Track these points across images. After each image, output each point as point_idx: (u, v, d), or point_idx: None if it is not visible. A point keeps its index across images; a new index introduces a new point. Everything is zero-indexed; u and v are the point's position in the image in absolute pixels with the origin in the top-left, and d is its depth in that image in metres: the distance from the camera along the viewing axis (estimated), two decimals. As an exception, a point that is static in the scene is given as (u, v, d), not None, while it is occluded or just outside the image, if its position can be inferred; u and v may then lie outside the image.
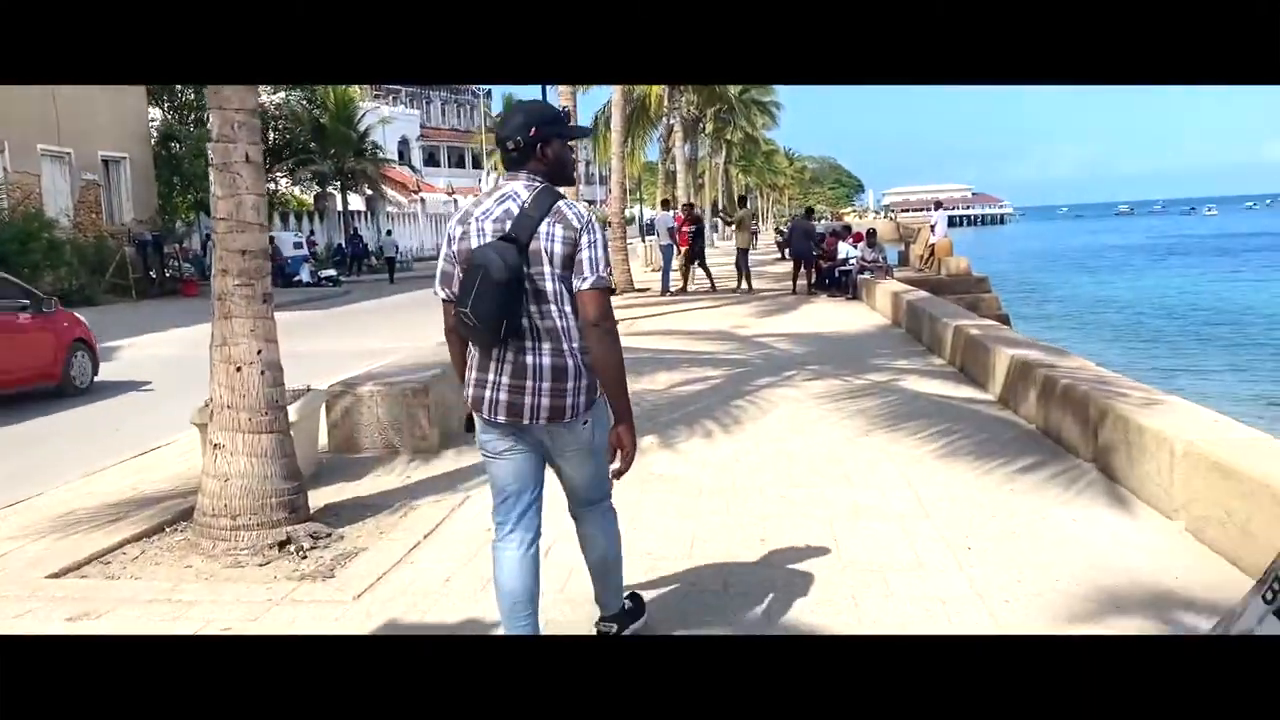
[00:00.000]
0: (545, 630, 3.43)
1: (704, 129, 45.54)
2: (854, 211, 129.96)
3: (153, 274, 28.10)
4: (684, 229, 20.16)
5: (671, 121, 35.99)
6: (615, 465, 3.06)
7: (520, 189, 3.00)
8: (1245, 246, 66.99)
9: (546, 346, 2.96)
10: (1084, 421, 5.86)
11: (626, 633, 3.52)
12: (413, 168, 53.88)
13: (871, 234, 19.54)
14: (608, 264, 3.02)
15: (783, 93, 49.95)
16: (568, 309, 2.96)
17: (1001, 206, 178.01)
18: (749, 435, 6.91)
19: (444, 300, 3.07)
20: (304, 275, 29.79)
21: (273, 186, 42.89)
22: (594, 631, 3.55)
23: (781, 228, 42.14)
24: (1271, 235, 79.95)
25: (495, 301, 2.86)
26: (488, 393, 3.01)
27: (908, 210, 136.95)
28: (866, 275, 18.06)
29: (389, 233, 42.70)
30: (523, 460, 3.13)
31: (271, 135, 39.09)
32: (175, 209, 31.86)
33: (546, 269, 2.93)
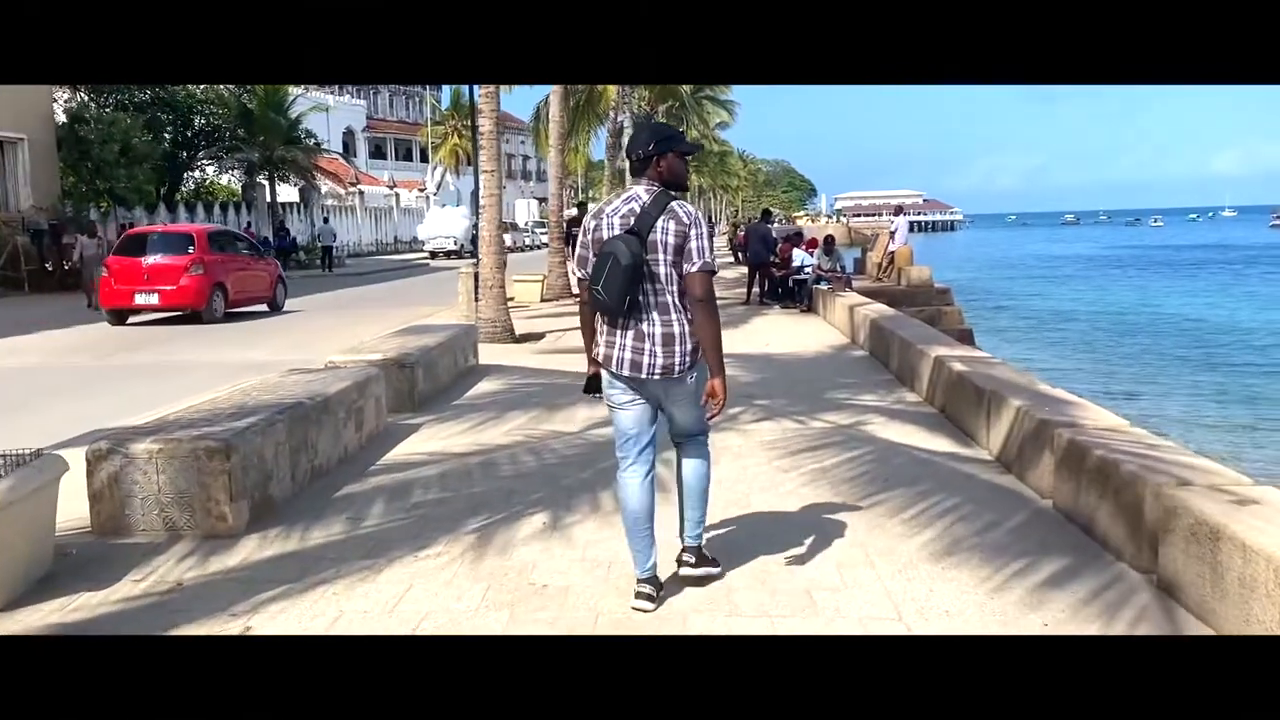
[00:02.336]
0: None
1: (656, 127, 43.79)
2: (807, 215, 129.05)
3: (49, 266, 25.73)
4: None
5: (621, 118, 34.18)
6: (710, 412, 3.75)
7: (642, 192, 3.73)
8: (1197, 260, 66.86)
9: (659, 318, 3.68)
10: (1133, 513, 4.22)
11: (697, 573, 4.05)
12: (346, 158, 51.41)
13: (829, 241, 17.94)
14: (712, 252, 3.71)
15: (737, 93, 48.47)
16: (674, 288, 3.68)
17: (952, 213, 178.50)
18: (676, 512, 5.16)
19: (580, 278, 3.82)
20: (219, 271, 27.49)
21: (198, 174, 40.54)
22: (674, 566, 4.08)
23: (739, 226, 40.52)
24: (1226, 249, 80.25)
25: (620, 282, 3.57)
26: (615, 352, 3.73)
27: (860, 215, 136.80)
28: (823, 285, 16.48)
29: (325, 220, 40.52)
30: (641, 410, 3.83)
31: (197, 120, 36.75)
32: (83, 197, 29.43)
33: (660, 256, 3.66)
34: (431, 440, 6.79)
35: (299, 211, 43.68)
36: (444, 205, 51.47)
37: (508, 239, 42.36)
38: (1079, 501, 4.78)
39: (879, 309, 12.68)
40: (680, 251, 3.64)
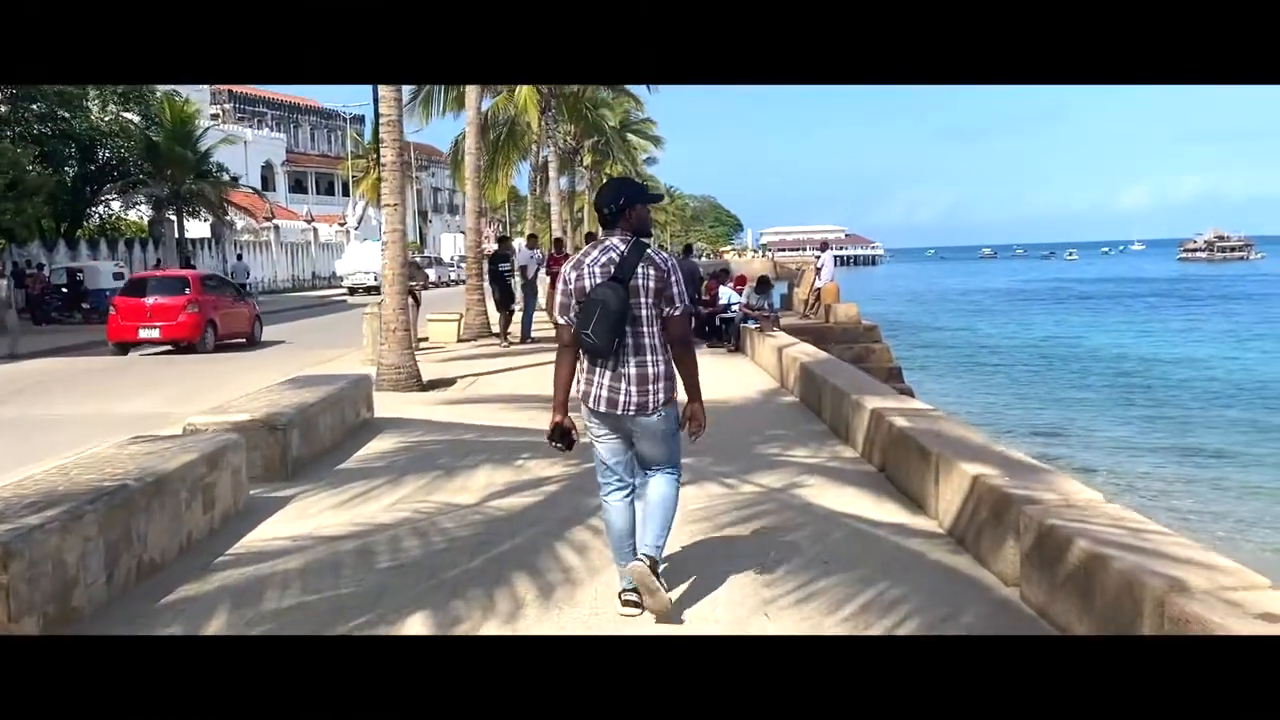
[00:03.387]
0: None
1: (582, 161, 43.32)
2: (733, 250, 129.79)
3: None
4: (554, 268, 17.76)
5: (544, 152, 33.43)
6: (694, 434, 4.20)
7: (618, 242, 4.07)
8: (1113, 293, 68.37)
9: (634, 359, 4.03)
10: (1128, 623, 3.51)
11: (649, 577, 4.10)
12: (261, 192, 49.72)
13: (764, 281, 17.29)
14: (686, 295, 4.19)
15: (661, 128, 48.34)
16: (654, 329, 4.06)
17: (874, 248, 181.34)
18: (584, 613, 4.32)
19: (562, 324, 4.12)
20: (118, 310, 25.93)
21: (102, 210, 38.68)
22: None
23: None
24: (1139, 281, 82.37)
25: (610, 325, 3.90)
26: (594, 390, 4.07)
27: (784, 249, 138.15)
28: (751, 324, 15.84)
29: (239, 257, 39.06)
30: (618, 441, 4.19)
31: (100, 153, 35.00)
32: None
33: (641, 300, 4.01)
34: (299, 520, 5.83)
35: (210, 248, 42.00)
36: (364, 240, 50.10)
37: (432, 274, 41.37)
38: (1055, 599, 4.05)
39: (809, 351, 12.05)
40: (659, 295, 4.02)
